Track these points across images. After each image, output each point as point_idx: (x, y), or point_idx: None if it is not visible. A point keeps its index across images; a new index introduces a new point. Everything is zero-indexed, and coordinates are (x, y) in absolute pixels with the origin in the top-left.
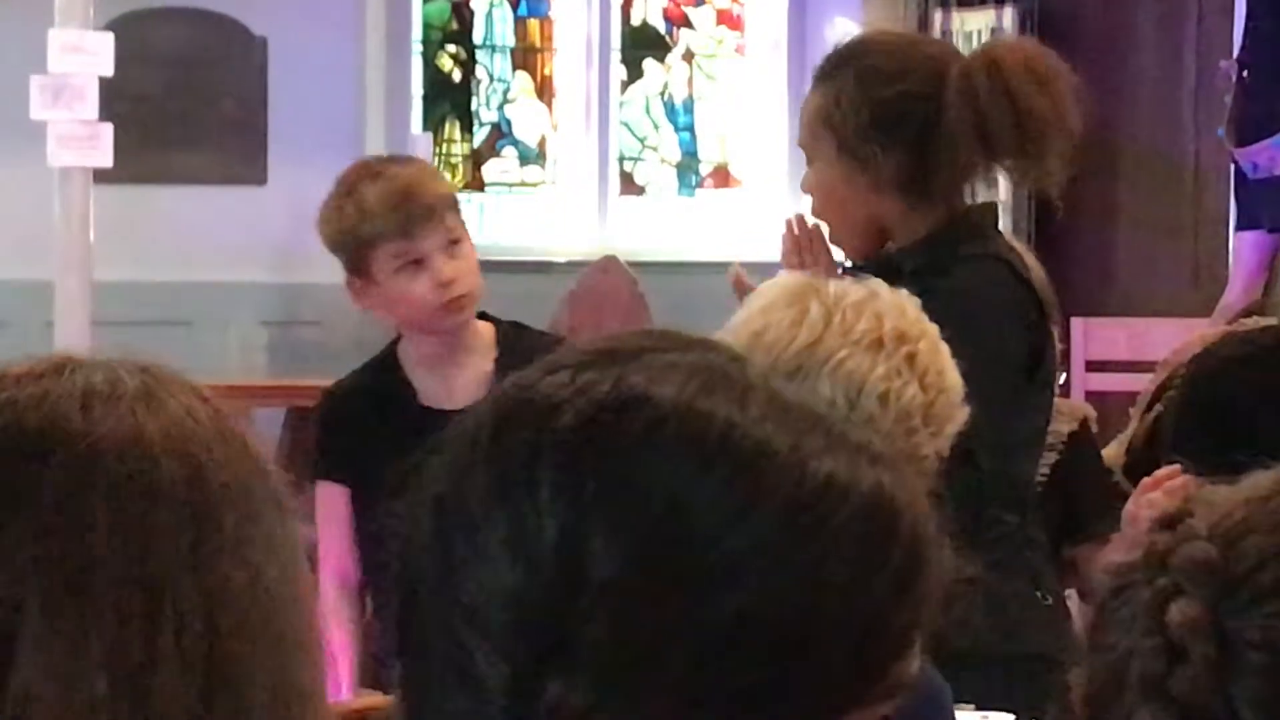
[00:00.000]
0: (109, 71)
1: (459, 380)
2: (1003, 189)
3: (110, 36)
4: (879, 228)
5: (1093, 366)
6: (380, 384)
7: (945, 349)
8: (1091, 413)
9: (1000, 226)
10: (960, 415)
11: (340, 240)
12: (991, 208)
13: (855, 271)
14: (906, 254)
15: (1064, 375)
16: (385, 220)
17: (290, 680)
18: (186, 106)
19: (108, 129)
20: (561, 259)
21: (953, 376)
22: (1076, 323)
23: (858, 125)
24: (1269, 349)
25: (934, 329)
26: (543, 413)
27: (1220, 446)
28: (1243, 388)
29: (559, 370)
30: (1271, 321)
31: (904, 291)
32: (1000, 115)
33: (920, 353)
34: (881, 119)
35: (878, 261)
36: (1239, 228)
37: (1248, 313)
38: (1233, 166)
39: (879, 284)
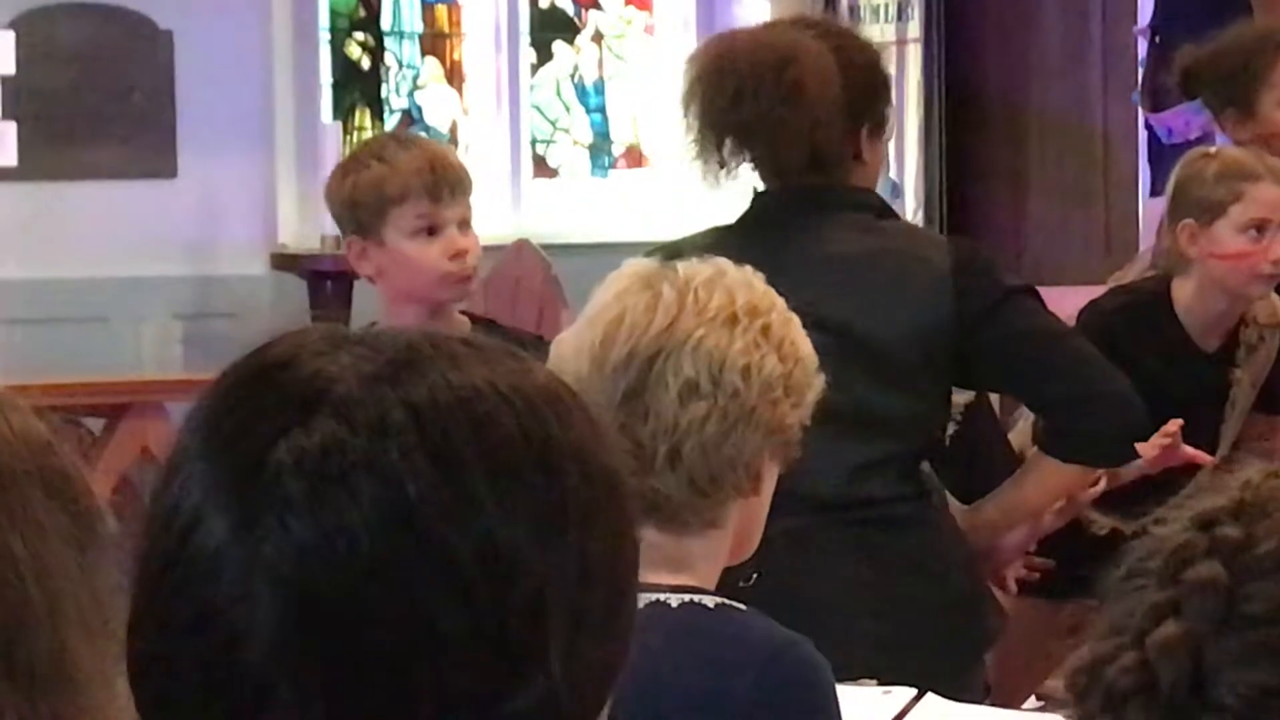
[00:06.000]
0: (9, 70)
1: None
2: (913, 161)
3: (10, 35)
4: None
5: None
6: None
7: (795, 320)
8: None
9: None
10: (816, 384)
11: (361, 195)
12: None
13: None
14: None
15: None
16: (416, 180)
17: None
18: (94, 102)
19: (10, 128)
20: None
21: (805, 346)
22: None
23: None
24: (1150, 295)
25: (782, 302)
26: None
27: None
28: (1126, 335)
29: None
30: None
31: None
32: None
33: (773, 324)
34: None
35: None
36: (1154, 194)
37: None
38: (1146, 133)
39: (724, 261)
